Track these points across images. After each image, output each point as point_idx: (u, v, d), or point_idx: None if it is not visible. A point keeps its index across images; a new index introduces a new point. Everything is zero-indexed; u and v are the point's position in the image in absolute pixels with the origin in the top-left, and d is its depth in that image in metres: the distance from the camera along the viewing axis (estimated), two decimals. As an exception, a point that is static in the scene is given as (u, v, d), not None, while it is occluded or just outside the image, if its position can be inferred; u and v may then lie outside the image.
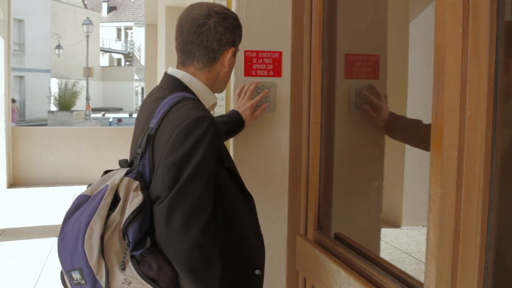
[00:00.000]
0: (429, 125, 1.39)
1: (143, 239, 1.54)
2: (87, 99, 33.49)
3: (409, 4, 3.24)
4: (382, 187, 2.63)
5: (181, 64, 1.81)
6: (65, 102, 33.33)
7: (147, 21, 9.31)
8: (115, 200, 1.55)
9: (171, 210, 1.52)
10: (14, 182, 9.37)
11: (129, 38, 53.47)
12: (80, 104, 34.71)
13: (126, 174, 1.61)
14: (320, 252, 2.17)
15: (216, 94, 1.87)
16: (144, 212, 1.54)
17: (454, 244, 1.33)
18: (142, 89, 38.03)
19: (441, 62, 1.35)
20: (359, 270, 1.92)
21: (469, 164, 1.27)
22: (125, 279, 1.51)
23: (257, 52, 2.45)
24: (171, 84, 1.78)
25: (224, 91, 2.72)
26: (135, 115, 28.63)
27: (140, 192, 1.56)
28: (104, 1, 54.65)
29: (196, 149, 1.55)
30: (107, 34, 51.18)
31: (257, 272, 1.74)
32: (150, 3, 8.57)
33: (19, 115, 29.09)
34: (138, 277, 1.50)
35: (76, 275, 1.52)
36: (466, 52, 1.27)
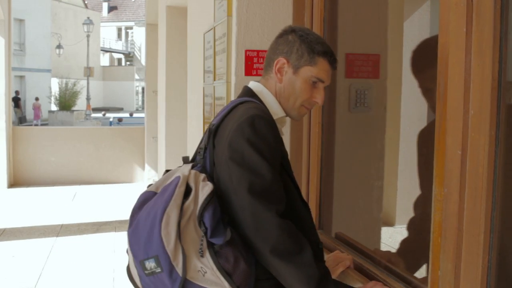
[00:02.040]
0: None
1: (218, 227, 1.53)
2: (88, 98, 33.44)
3: (403, 3, 3.23)
4: (382, 187, 2.63)
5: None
6: (66, 102, 33.34)
7: (147, 21, 9.29)
8: (187, 190, 1.57)
9: (251, 206, 1.53)
10: (14, 182, 9.37)
11: (129, 38, 53.46)
12: (80, 103, 34.71)
13: (192, 168, 1.65)
14: (322, 252, 2.16)
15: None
16: (215, 200, 1.56)
17: (457, 244, 1.32)
18: (143, 88, 37.99)
19: (444, 62, 1.34)
20: (362, 269, 1.91)
21: (472, 163, 1.27)
22: (201, 267, 1.51)
23: (258, 51, 2.45)
24: (242, 93, 1.83)
25: (225, 91, 2.72)
26: (135, 115, 28.64)
27: (208, 182, 1.59)
28: (105, 1, 54.63)
29: (255, 145, 1.56)
30: (107, 33, 51.18)
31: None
32: (150, 3, 8.56)
33: (41, 113, 29.51)
34: (215, 268, 1.50)
35: (150, 264, 1.52)
36: (470, 52, 1.26)
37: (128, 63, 52.63)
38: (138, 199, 1.66)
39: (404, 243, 2.20)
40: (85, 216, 7.06)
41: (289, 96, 1.76)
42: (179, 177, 1.60)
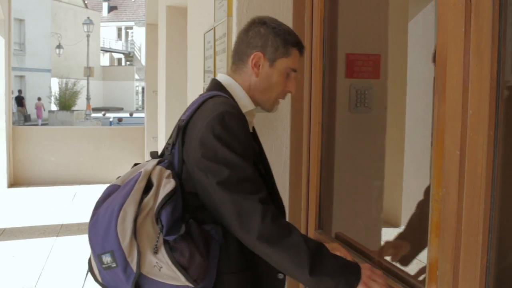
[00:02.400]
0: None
1: (175, 225, 1.55)
2: (88, 98, 33.45)
3: (407, 3, 3.24)
4: (383, 187, 2.63)
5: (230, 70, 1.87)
6: (66, 102, 33.34)
7: (147, 21, 9.29)
8: (148, 186, 1.58)
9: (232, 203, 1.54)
10: (14, 182, 9.37)
11: (129, 38, 53.46)
12: (80, 103, 34.71)
13: (158, 164, 1.65)
14: (321, 252, 2.16)
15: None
16: (176, 198, 1.57)
17: (455, 244, 1.32)
18: (143, 88, 37.99)
19: (443, 62, 1.35)
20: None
21: (471, 164, 1.27)
22: (156, 262, 1.52)
23: (258, 51, 2.45)
24: (211, 86, 1.83)
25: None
26: (135, 115, 28.62)
27: (172, 179, 1.59)
28: (105, 1, 54.62)
29: (226, 142, 1.57)
30: (107, 33, 51.17)
31: (279, 276, 1.73)
32: (150, 3, 8.56)
33: (42, 113, 29.96)
34: (170, 262, 1.51)
35: (106, 258, 1.54)
36: (468, 52, 1.26)
37: (128, 63, 52.62)
38: (104, 192, 1.67)
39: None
40: (85, 216, 7.03)
41: (265, 89, 1.77)
42: (140, 172, 1.61)
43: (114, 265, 1.53)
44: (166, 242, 1.53)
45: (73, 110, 31.28)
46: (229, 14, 2.64)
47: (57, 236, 6.11)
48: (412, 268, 2.01)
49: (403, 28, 3.09)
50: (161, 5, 7.39)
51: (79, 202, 8.04)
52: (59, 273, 4.80)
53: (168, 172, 1.61)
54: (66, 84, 34.20)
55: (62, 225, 6.58)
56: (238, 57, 1.80)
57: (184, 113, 1.74)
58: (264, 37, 1.75)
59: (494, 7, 1.20)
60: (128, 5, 54.67)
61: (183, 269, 1.52)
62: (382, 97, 2.59)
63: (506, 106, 1.25)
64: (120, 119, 25.14)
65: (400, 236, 2.29)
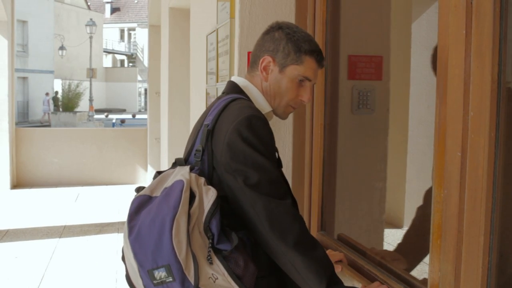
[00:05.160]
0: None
1: (222, 234, 1.51)
2: (90, 100, 33.50)
3: (411, 5, 3.24)
4: (385, 188, 2.63)
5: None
6: (69, 103, 33.40)
7: (150, 22, 9.30)
8: (190, 195, 1.53)
9: (264, 208, 1.53)
10: (17, 183, 9.38)
11: (132, 39, 53.48)
12: (83, 105, 34.76)
13: (190, 171, 1.59)
14: (323, 253, 2.16)
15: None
16: (221, 206, 1.53)
17: (457, 245, 1.33)
18: (145, 90, 37.98)
19: (444, 64, 1.35)
20: (363, 271, 1.92)
21: (472, 165, 1.27)
22: (212, 274, 1.48)
23: (261, 53, 2.45)
24: (229, 88, 1.80)
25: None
26: (138, 116, 28.67)
27: (210, 187, 1.54)
28: (107, 2, 54.67)
29: (254, 146, 1.56)
30: (110, 35, 51.21)
31: None
32: (153, 4, 8.57)
33: (48, 106, 30.85)
34: (226, 273, 1.48)
35: (160, 273, 1.47)
36: (469, 54, 1.27)
37: (130, 64, 52.62)
38: (132, 203, 1.61)
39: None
40: (88, 217, 7.07)
41: (275, 94, 1.75)
42: (182, 181, 1.53)
43: (170, 279, 1.46)
44: (218, 252, 1.49)
45: (76, 112, 31.34)
46: (232, 16, 2.64)
47: (60, 237, 6.12)
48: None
49: (406, 29, 3.09)
50: (163, 7, 7.40)
51: (82, 203, 8.05)
52: (62, 274, 4.80)
53: (202, 179, 1.57)
54: (69, 85, 34.25)
55: (65, 226, 6.59)
56: (253, 59, 1.79)
57: (205, 117, 1.71)
58: (277, 42, 1.72)
59: (495, 9, 1.21)
60: (130, 6, 54.72)
61: (238, 279, 1.49)
62: (384, 98, 2.59)
63: (507, 107, 1.26)
64: (122, 121, 25.10)
65: (402, 245, 2.29)
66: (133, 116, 31.65)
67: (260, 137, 1.57)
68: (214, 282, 1.48)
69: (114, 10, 55.23)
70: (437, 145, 1.39)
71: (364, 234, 2.59)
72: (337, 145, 2.50)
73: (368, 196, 2.65)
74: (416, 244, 2.18)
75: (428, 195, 2.05)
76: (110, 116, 32.02)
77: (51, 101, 32.39)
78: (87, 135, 10.17)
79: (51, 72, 34.32)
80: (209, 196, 1.51)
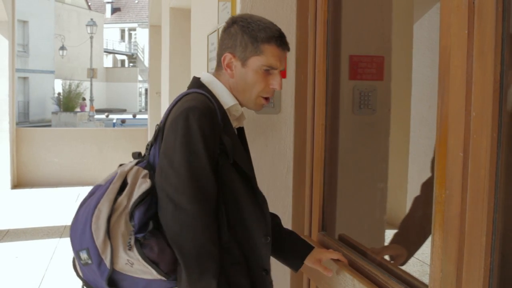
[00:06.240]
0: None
1: (148, 223, 1.60)
2: (91, 100, 33.54)
3: (413, 5, 3.23)
4: (386, 189, 2.62)
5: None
6: (69, 103, 33.42)
7: (151, 22, 9.30)
8: (124, 186, 1.64)
9: (171, 204, 1.59)
10: (18, 183, 9.39)
11: (132, 39, 53.50)
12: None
13: (137, 164, 1.70)
14: (324, 254, 2.16)
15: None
16: (151, 198, 1.61)
17: (459, 246, 1.32)
18: (146, 90, 38.00)
19: (446, 64, 1.35)
20: (364, 271, 1.92)
21: (474, 165, 1.27)
22: (128, 260, 1.57)
23: (262, 53, 2.45)
24: (190, 84, 1.83)
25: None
26: (138, 116, 28.72)
27: (148, 179, 1.63)
28: (108, 2, 54.70)
29: (184, 141, 1.59)
30: (110, 35, 51.24)
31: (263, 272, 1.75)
32: (154, 4, 8.57)
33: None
34: (140, 258, 1.56)
35: (83, 255, 1.59)
36: (471, 54, 1.26)
37: (131, 64, 52.66)
38: (89, 192, 1.72)
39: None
40: (88, 217, 7.06)
41: (243, 89, 1.75)
42: (116, 173, 1.67)
43: (89, 261, 1.59)
44: (137, 239, 1.58)
45: (76, 112, 31.36)
46: (233, 16, 2.64)
47: (60, 237, 6.12)
48: (414, 270, 2.02)
49: (408, 29, 3.09)
50: (164, 7, 7.40)
51: (83, 203, 8.04)
52: (63, 274, 4.80)
53: (145, 172, 1.66)
54: (70, 85, 34.27)
55: (65, 226, 6.59)
56: (217, 58, 1.80)
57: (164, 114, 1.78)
58: (234, 37, 1.73)
59: (497, 9, 1.20)
60: (131, 6, 54.75)
61: (153, 264, 1.57)
62: (385, 99, 2.59)
63: (509, 108, 1.25)
64: (123, 121, 25.11)
65: (397, 237, 2.31)
66: (134, 116, 31.67)
67: (195, 130, 1.59)
68: (132, 266, 1.58)
69: (114, 10, 55.26)
70: (439, 145, 1.39)
71: (365, 235, 2.59)
72: (338, 146, 2.50)
73: (369, 197, 2.65)
74: (411, 232, 2.19)
75: (425, 186, 2.06)
76: (111, 116, 32.05)
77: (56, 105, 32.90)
78: (88, 135, 10.19)
79: (52, 72, 34.36)
80: (141, 188, 1.61)
